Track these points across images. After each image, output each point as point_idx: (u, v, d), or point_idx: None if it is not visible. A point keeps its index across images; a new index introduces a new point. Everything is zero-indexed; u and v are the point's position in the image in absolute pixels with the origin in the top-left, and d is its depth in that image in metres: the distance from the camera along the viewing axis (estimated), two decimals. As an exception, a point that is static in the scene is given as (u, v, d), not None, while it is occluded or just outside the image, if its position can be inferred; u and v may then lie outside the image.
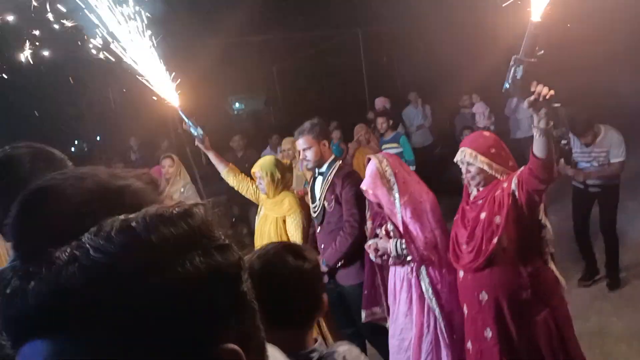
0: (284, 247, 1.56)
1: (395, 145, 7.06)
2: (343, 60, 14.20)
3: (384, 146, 7.12)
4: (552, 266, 2.94)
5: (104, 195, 0.80)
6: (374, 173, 3.27)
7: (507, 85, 2.22)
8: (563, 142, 4.97)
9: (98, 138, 15.29)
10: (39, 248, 0.59)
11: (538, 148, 2.48)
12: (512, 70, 2.17)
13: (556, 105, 2.30)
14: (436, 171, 7.85)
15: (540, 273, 2.86)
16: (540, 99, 2.23)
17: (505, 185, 2.79)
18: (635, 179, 5.33)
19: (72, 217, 0.70)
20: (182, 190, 5.70)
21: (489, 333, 2.88)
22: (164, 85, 3.83)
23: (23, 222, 0.79)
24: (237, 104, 18.41)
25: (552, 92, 2.22)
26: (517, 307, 2.82)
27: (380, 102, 8.77)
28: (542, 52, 2.08)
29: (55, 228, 0.68)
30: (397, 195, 3.21)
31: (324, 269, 3.70)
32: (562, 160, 4.91)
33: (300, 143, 3.77)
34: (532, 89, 2.22)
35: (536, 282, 2.82)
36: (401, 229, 3.22)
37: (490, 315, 2.86)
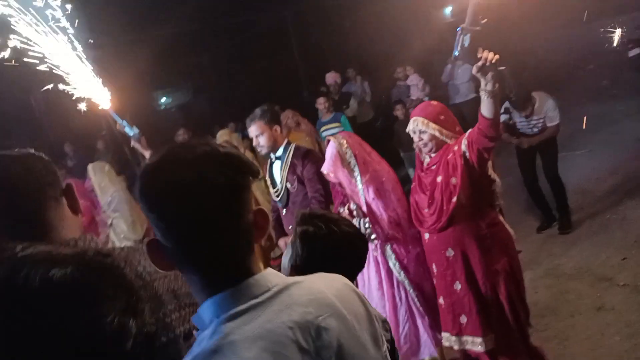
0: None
1: (336, 124, 7.10)
2: (273, 43, 14.11)
3: (324, 127, 7.14)
4: (502, 218, 3.17)
5: None
6: (334, 155, 3.30)
7: (456, 53, 2.39)
8: (505, 117, 5.26)
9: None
10: None
11: (487, 109, 2.65)
12: (459, 39, 2.32)
13: (501, 68, 2.47)
14: (379, 145, 8.01)
15: (497, 223, 3.09)
16: (487, 63, 2.39)
17: (455, 148, 2.96)
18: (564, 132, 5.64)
19: None
20: (109, 199, 5.48)
21: (458, 286, 3.08)
22: (91, 86, 3.70)
23: None
24: (163, 98, 17.92)
25: (497, 56, 2.38)
26: (481, 257, 3.02)
27: (331, 77, 8.74)
28: (486, 20, 2.19)
29: None
30: (358, 177, 3.28)
31: None
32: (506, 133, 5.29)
33: (253, 130, 3.76)
34: (479, 55, 2.38)
35: (494, 232, 3.04)
36: (364, 209, 3.31)
37: (458, 269, 3.07)
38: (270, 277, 1.05)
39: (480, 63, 2.42)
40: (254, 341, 0.93)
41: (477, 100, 7.37)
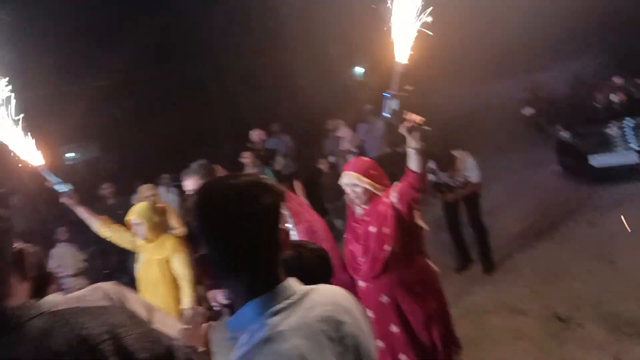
0: None
1: None
2: (193, 98, 14.19)
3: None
4: (428, 260, 3.41)
5: None
6: None
7: (387, 114, 2.56)
8: (431, 177, 5.80)
9: None
10: None
11: (414, 164, 2.88)
12: (387, 103, 2.52)
13: (427, 129, 2.70)
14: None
15: (425, 267, 3.32)
16: (413, 125, 2.64)
17: (385, 199, 3.19)
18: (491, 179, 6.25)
19: None
20: None
21: (394, 328, 3.24)
22: (20, 144, 3.65)
23: None
24: (70, 154, 17.23)
25: (423, 118, 2.65)
26: (412, 302, 3.22)
27: (256, 135, 8.88)
28: (410, 87, 2.46)
29: None
30: (292, 227, 3.40)
31: (224, 301, 3.76)
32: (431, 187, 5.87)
33: (189, 184, 3.80)
34: (406, 117, 2.62)
35: (423, 275, 3.28)
36: None
37: (393, 314, 3.24)
38: (294, 284, 1.30)
39: (408, 124, 2.65)
40: (296, 331, 1.17)
41: (390, 155, 7.93)
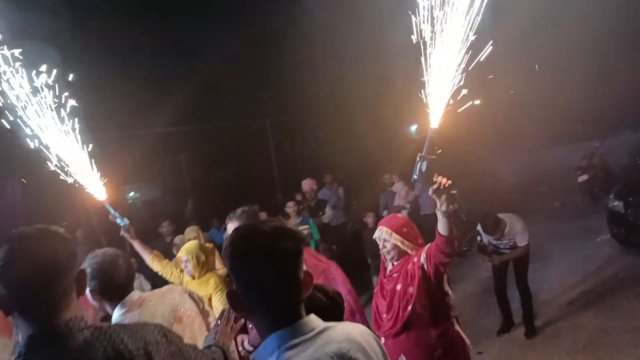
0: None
1: (306, 226, 7.57)
2: (252, 147, 14.76)
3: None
4: (457, 327, 3.37)
5: None
6: None
7: (415, 176, 2.70)
8: (478, 239, 5.96)
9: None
10: None
11: (442, 227, 2.92)
12: (417, 165, 2.66)
13: (453, 192, 2.77)
14: (349, 247, 8.53)
15: (448, 333, 3.28)
16: (441, 187, 2.72)
17: (415, 259, 3.22)
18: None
19: None
20: None
21: None
22: (89, 179, 4.01)
23: None
24: (132, 193, 18.10)
25: (449, 182, 2.72)
26: None
27: (307, 185, 8.99)
28: (440, 150, 2.61)
29: None
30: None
31: (249, 348, 3.91)
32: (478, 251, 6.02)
33: (231, 227, 4.06)
34: (434, 179, 2.71)
35: (445, 341, 3.23)
36: None
37: None
38: (314, 320, 1.45)
39: (435, 186, 2.72)
40: None
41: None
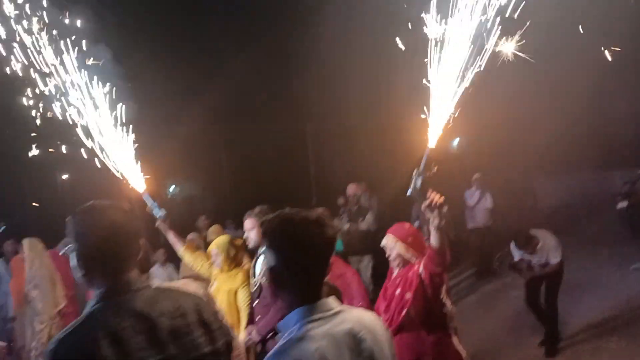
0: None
1: None
2: (290, 151, 15.00)
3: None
4: (454, 339, 3.44)
5: None
6: None
7: (410, 192, 2.82)
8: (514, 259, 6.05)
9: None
10: None
11: (434, 240, 3.03)
12: (413, 181, 2.80)
13: (444, 208, 2.85)
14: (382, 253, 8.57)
15: (442, 343, 3.36)
16: (433, 203, 2.81)
17: (415, 268, 3.35)
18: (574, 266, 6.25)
19: None
20: (32, 275, 5.83)
21: None
22: (129, 169, 4.25)
23: None
24: (172, 187, 18.55)
25: (442, 198, 2.82)
26: None
27: (351, 189, 8.86)
28: (436, 168, 2.75)
29: None
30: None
31: (257, 338, 4.14)
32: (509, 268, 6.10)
33: (247, 223, 4.29)
34: (428, 195, 2.82)
35: (438, 350, 3.31)
36: None
37: None
38: (332, 302, 1.66)
39: (427, 202, 2.82)
40: (323, 337, 1.54)
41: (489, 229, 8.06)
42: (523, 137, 12.61)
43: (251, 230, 4.26)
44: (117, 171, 4.12)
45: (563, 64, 9.58)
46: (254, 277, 4.35)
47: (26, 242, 6.10)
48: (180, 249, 4.71)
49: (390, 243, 3.48)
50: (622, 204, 10.09)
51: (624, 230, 10.21)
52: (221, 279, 4.54)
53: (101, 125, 3.91)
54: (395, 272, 3.55)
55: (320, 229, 1.63)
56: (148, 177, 4.37)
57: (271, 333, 4.10)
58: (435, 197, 2.80)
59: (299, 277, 1.62)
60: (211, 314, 1.77)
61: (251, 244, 4.31)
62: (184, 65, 13.08)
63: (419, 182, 2.77)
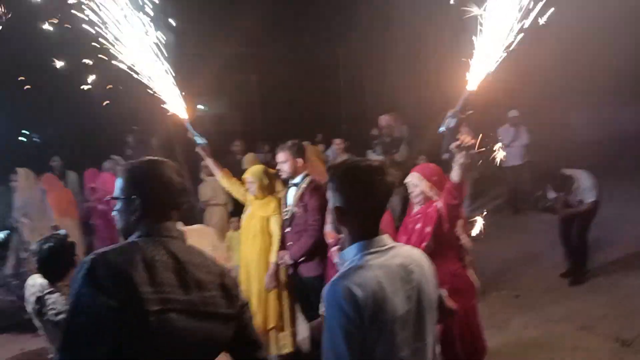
0: None
1: None
2: (322, 76, 14.87)
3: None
4: (470, 270, 3.69)
5: None
6: None
7: (442, 129, 2.95)
8: (549, 200, 6.24)
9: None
10: None
11: (455, 175, 3.22)
12: (447, 119, 2.91)
13: (472, 152, 3.01)
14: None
15: (458, 274, 3.59)
16: (463, 144, 2.96)
17: (435, 204, 3.53)
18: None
19: None
20: (22, 203, 6.09)
21: None
22: (173, 97, 4.38)
23: None
24: (201, 106, 18.59)
25: (472, 141, 2.97)
26: None
27: (384, 120, 8.57)
28: (472, 111, 2.81)
29: None
30: None
31: (289, 262, 4.45)
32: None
33: (280, 156, 4.48)
34: (459, 136, 2.95)
35: (454, 280, 3.48)
36: None
37: None
38: (387, 239, 1.89)
39: (458, 142, 2.98)
40: (380, 267, 1.79)
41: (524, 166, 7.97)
42: (558, 72, 12.16)
43: (284, 162, 4.45)
44: (158, 97, 4.24)
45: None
46: (286, 205, 4.57)
47: (22, 172, 6.34)
48: (219, 174, 4.94)
49: (416, 180, 3.64)
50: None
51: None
52: (255, 205, 4.77)
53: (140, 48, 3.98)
54: (416, 208, 3.72)
55: (381, 175, 1.84)
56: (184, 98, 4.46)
57: (302, 258, 4.40)
58: (466, 139, 2.95)
59: (361, 216, 1.85)
60: (232, 280, 1.93)
61: (284, 175, 4.52)
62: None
63: (452, 123, 2.90)
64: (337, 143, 8.68)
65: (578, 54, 11.27)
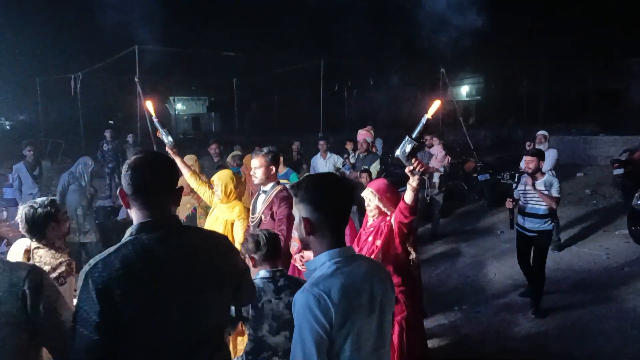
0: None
1: (285, 181, 7.47)
2: (303, 84, 14.96)
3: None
4: (417, 284, 3.90)
5: None
6: None
7: (397, 153, 2.94)
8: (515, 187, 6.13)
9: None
10: None
11: (408, 197, 3.35)
12: (403, 144, 2.90)
13: (424, 176, 3.05)
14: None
15: (405, 286, 3.75)
16: (415, 170, 3.04)
17: (388, 219, 3.71)
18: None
19: None
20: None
21: None
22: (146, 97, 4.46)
23: None
24: (179, 105, 18.60)
25: (424, 167, 3.08)
26: None
27: (361, 135, 8.49)
28: (426, 139, 2.87)
29: None
30: None
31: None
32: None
33: (255, 162, 4.50)
34: (413, 161, 2.99)
35: (401, 290, 3.70)
36: None
37: None
38: (351, 249, 2.05)
39: (411, 167, 3.03)
40: (347, 275, 1.92)
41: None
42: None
43: (258, 168, 4.47)
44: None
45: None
46: (253, 213, 4.59)
47: None
48: (187, 173, 5.00)
49: (370, 196, 3.85)
50: (618, 171, 10.26)
51: (616, 197, 10.60)
52: (220, 208, 4.79)
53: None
54: (370, 221, 3.91)
55: (344, 187, 2.03)
56: (152, 97, 4.53)
57: None
58: (418, 166, 3.02)
59: (327, 224, 1.97)
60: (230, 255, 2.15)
61: (256, 180, 4.53)
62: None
63: (408, 148, 2.88)
64: (321, 144, 9.28)
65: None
